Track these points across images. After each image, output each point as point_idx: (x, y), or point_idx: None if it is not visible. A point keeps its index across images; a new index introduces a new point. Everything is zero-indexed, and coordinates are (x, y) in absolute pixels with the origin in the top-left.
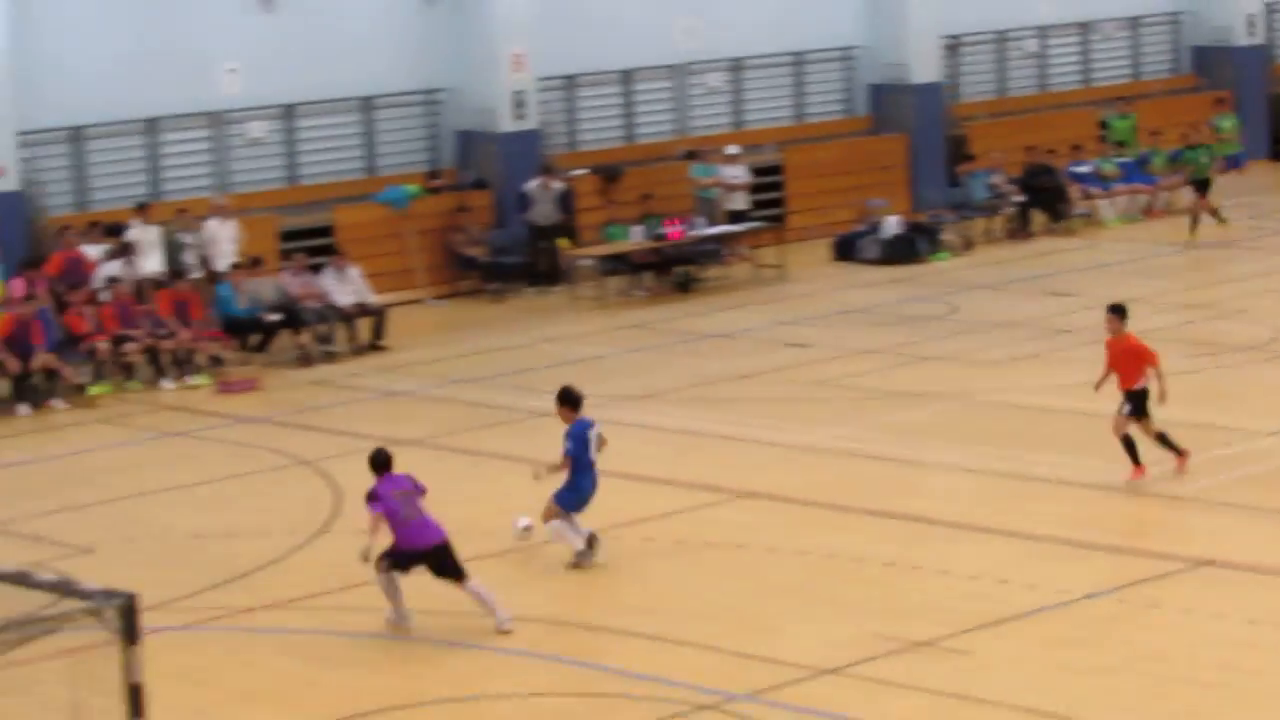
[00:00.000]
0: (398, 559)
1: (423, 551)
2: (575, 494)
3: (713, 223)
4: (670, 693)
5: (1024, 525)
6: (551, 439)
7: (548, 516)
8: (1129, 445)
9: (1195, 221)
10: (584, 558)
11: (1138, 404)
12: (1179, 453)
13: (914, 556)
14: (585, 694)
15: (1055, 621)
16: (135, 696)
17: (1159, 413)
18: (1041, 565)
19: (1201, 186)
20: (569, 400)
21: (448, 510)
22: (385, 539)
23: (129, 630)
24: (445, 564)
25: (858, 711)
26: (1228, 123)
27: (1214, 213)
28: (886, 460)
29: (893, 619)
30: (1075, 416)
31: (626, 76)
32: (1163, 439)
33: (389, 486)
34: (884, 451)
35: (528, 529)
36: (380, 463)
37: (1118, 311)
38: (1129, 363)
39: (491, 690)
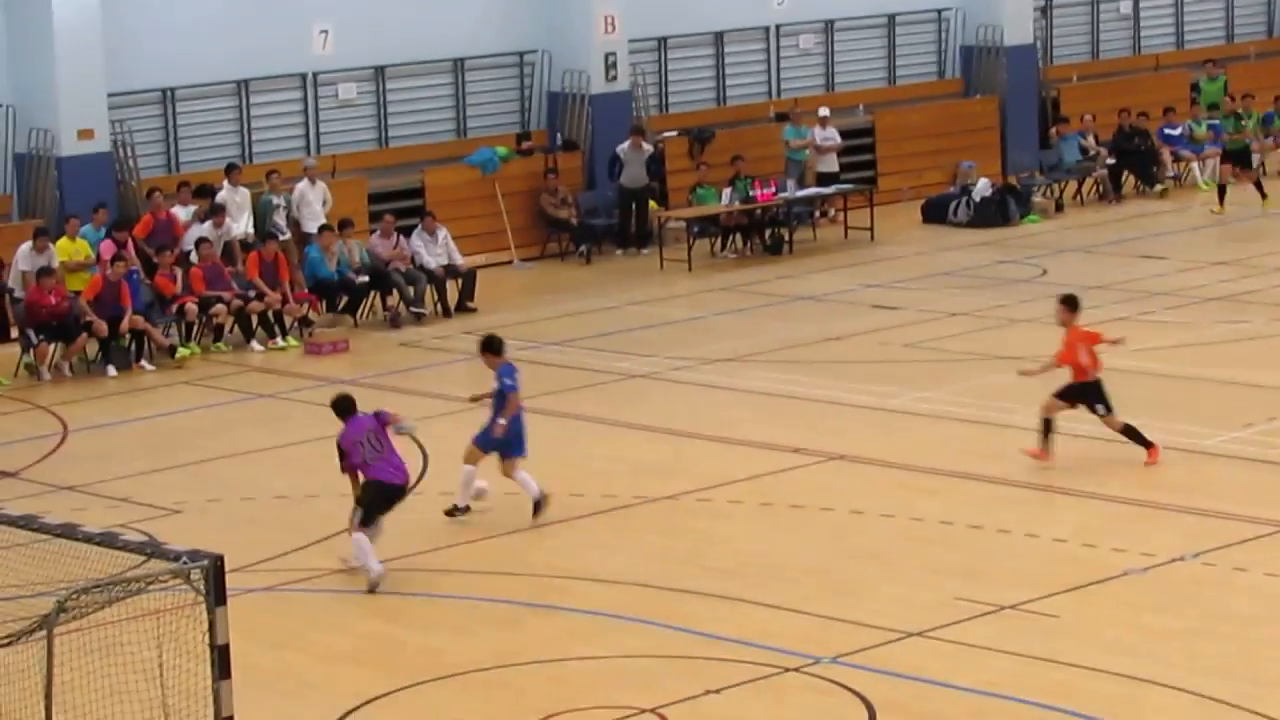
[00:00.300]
0: (368, 507)
1: (391, 486)
2: (489, 435)
3: (803, 185)
4: (756, 655)
5: (1111, 489)
6: (640, 402)
7: (469, 459)
8: (1133, 433)
9: (1261, 190)
10: (459, 511)
11: (1095, 395)
12: (1044, 445)
13: (1000, 520)
14: (672, 656)
15: (1141, 585)
16: (221, 658)
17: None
18: (1128, 529)
19: (1231, 157)
20: (492, 347)
21: (533, 472)
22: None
23: (215, 592)
24: (395, 504)
25: (943, 675)
26: None
27: (1223, 189)
28: (974, 423)
29: (979, 582)
30: (1164, 380)
31: (718, 38)
32: (1048, 425)
33: (353, 433)
34: (972, 415)
35: (481, 493)
36: (344, 408)
37: (1068, 303)
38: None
39: (579, 652)
